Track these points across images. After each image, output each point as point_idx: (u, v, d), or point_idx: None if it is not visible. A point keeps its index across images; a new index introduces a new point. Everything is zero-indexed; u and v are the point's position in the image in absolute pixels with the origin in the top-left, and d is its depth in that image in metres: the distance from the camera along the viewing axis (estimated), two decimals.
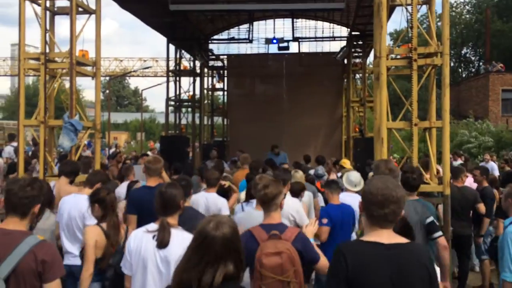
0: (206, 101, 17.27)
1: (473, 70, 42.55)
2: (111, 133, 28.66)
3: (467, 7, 41.91)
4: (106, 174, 6.00)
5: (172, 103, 15.06)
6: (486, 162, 12.72)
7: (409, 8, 6.55)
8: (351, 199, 5.69)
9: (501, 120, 26.99)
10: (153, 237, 3.24)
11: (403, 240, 2.32)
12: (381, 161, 4.87)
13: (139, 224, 4.55)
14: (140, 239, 3.30)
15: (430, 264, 2.30)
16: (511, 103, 28.77)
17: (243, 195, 5.56)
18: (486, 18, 33.53)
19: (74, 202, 4.54)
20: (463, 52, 41.51)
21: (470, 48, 42.12)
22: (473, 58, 43.41)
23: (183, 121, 15.59)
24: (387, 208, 2.23)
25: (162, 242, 3.20)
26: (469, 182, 8.08)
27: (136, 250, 3.27)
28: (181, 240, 3.20)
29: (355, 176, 6.12)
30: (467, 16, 41.43)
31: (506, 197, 4.02)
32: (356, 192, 6.04)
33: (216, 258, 2.06)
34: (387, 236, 2.28)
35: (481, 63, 40.01)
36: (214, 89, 17.86)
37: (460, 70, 43.25)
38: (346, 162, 9.15)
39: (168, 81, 14.54)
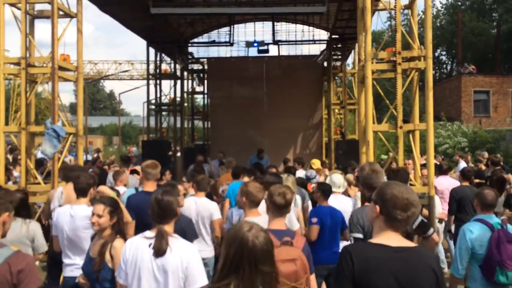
0: (186, 104, 17.14)
1: (446, 71, 43.63)
2: (87, 137, 28.09)
3: (440, 9, 42.98)
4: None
5: (153, 107, 14.90)
6: (457, 162, 12.99)
7: (393, 12, 6.68)
8: (340, 204, 5.76)
9: (473, 120, 27.76)
10: (149, 245, 3.15)
11: (410, 244, 2.37)
12: (366, 164, 4.92)
13: (137, 230, 4.49)
14: (136, 248, 3.21)
15: (437, 267, 2.35)
16: (482, 104, 29.64)
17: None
18: (458, 21, 34.44)
19: (75, 213, 4.36)
20: (436, 54, 42.51)
21: (444, 49, 43.14)
22: (445, 60, 44.51)
23: (163, 125, 15.45)
24: (409, 211, 2.31)
25: (160, 250, 3.11)
26: (448, 182, 8.26)
27: (132, 259, 3.18)
28: (179, 248, 3.16)
29: (338, 177, 6.21)
30: (442, 18, 42.47)
31: (474, 197, 4.19)
32: (342, 193, 6.12)
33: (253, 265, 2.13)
34: (396, 239, 2.34)
35: (454, 65, 41.03)
36: (194, 92, 17.75)
37: (433, 71, 44.29)
38: (315, 163, 9.11)
39: (148, 84, 14.37)
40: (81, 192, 4.48)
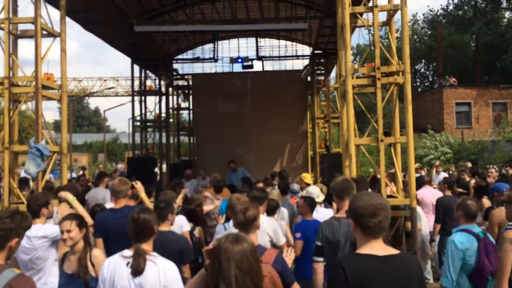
0: (171, 120, 17.18)
1: (428, 84, 44.43)
2: (72, 155, 27.91)
3: (420, 23, 43.99)
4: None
5: (138, 123, 14.90)
6: (437, 173, 13.12)
7: (371, 29, 6.87)
8: (319, 215, 5.83)
9: (456, 132, 28.25)
10: (127, 264, 3.16)
11: (394, 251, 2.48)
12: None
13: (105, 246, 4.51)
14: (113, 267, 3.21)
15: (420, 273, 2.50)
16: (464, 116, 30.22)
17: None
18: (438, 35, 35.21)
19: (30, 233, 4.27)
20: (417, 67, 43.29)
21: (424, 63, 44.00)
22: (427, 73, 45.37)
23: (149, 141, 15.46)
24: (379, 216, 2.43)
25: (138, 269, 3.12)
26: (431, 192, 8.37)
27: (110, 278, 3.19)
28: (157, 266, 3.16)
29: (314, 188, 6.45)
30: (421, 31, 43.41)
31: (457, 208, 4.18)
32: (321, 203, 6.24)
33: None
34: (381, 248, 2.44)
35: (435, 78, 41.83)
36: (179, 108, 17.81)
37: (415, 84, 45.15)
38: (306, 177, 9.11)
39: (133, 101, 14.39)
40: (33, 214, 4.34)
